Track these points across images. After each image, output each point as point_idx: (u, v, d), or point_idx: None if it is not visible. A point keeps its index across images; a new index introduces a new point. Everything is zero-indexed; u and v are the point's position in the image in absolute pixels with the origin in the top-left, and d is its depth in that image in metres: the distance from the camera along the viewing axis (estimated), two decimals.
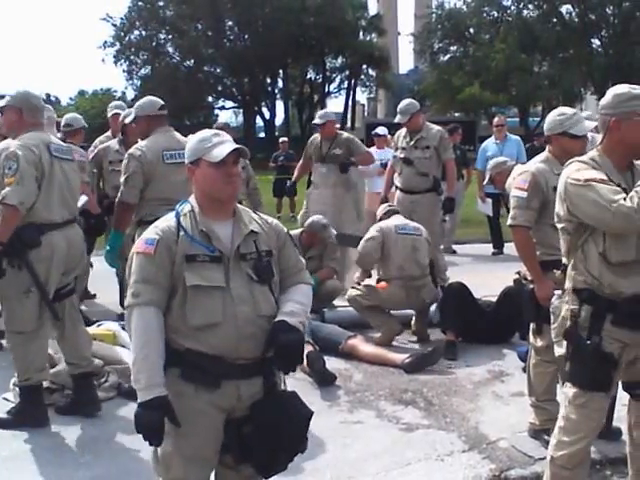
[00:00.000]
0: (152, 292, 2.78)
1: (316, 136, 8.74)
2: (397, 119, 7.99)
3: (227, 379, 2.82)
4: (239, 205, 3.02)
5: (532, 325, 4.54)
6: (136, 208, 5.44)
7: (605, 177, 3.22)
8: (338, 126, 9.14)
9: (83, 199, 6.25)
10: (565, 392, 3.45)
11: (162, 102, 5.65)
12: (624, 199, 3.08)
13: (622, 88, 3.34)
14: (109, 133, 8.01)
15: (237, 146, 2.90)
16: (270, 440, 2.80)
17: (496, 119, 11.89)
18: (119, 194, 5.51)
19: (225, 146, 2.88)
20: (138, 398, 2.73)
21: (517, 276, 4.78)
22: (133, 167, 5.33)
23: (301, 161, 9.09)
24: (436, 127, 8.14)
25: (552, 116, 4.50)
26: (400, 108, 7.96)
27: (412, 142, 7.92)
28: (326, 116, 8.67)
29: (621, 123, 3.27)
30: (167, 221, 2.91)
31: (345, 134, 8.86)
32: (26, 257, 4.62)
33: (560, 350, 3.43)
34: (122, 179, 5.46)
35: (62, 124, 7.25)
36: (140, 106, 5.62)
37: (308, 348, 5.74)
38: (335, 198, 8.38)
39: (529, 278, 4.51)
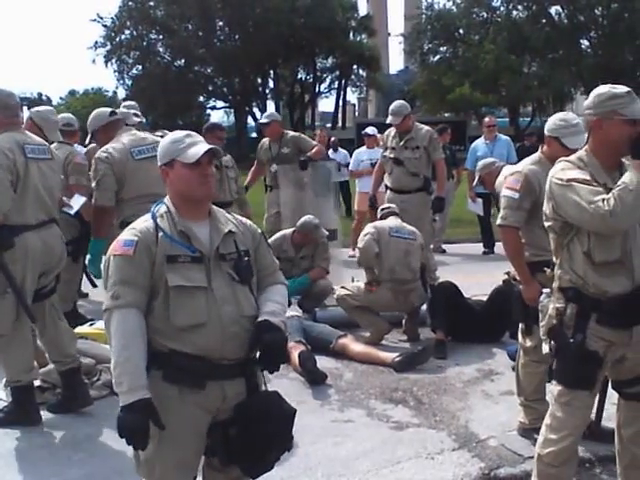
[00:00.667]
0: (132, 294, 2.75)
1: (265, 140, 8.86)
2: (389, 120, 8.02)
3: (212, 380, 2.82)
4: (213, 206, 3.01)
5: (521, 325, 4.57)
6: (114, 211, 5.40)
7: (589, 177, 3.25)
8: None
9: (81, 200, 6.22)
10: (551, 390, 3.49)
11: (110, 109, 5.75)
12: (603, 201, 3.11)
13: (603, 88, 3.37)
14: None
15: (211, 146, 2.91)
16: (256, 440, 2.80)
17: (487, 119, 11.91)
18: (93, 200, 5.48)
19: (199, 147, 2.89)
20: (120, 402, 2.68)
21: (506, 276, 4.81)
22: (102, 170, 5.30)
23: (254, 166, 9.16)
24: (425, 127, 8.18)
25: (554, 117, 4.53)
26: (392, 109, 7.98)
27: (402, 142, 7.95)
28: (272, 116, 8.85)
29: (602, 122, 3.30)
30: (144, 222, 2.89)
31: (291, 133, 8.95)
32: (0, 259, 4.58)
33: (547, 348, 3.47)
34: (93, 184, 5.43)
35: (60, 124, 7.10)
36: (92, 122, 5.64)
37: (300, 347, 5.79)
38: (292, 197, 8.46)
39: (518, 279, 4.54)
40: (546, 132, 4.50)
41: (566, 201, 3.26)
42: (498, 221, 4.54)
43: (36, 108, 6.10)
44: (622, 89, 3.33)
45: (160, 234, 2.83)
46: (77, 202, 6.16)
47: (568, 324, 3.34)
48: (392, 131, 8.13)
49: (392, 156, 8.03)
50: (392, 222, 6.91)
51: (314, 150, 8.48)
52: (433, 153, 7.98)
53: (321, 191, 8.79)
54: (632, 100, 3.30)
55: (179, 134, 2.98)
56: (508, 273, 4.77)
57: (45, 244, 4.77)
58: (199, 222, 2.91)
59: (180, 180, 2.89)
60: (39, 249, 4.72)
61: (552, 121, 4.49)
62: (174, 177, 2.90)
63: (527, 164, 4.54)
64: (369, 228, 6.84)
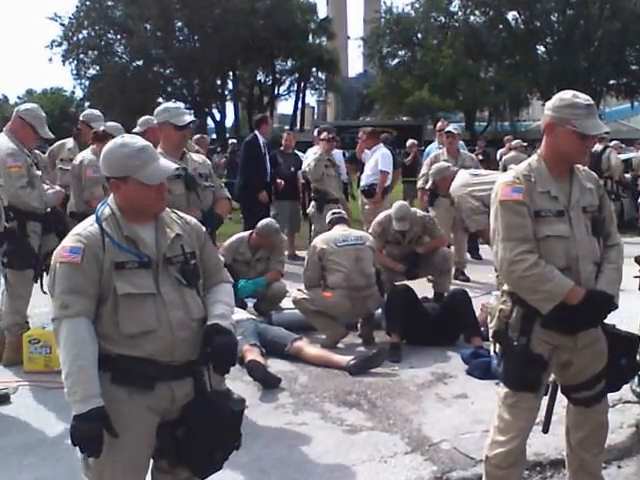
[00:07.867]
0: (81, 302, 2.71)
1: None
2: (397, 227, 7.47)
3: (161, 381, 2.80)
4: None
5: None
6: None
7: (521, 198, 3.28)
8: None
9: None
10: (498, 392, 3.51)
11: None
12: (528, 254, 3.22)
13: (567, 94, 3.33)
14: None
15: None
16: (204, 440, 2.81)
17: (438, 124, 11.82)
18: None
19: (157, 166, 2.86)
20: (74, 410, 2.64)
21: None
22: None
23: None
24: (418, 214, 7.80)
25: None
26: (398, 215, 7.46)
27: (406, 241, 7.62)
28: (147, 123, 7.34)
29: (554, 127, 3.32)
30: (89, 227, 2.83)
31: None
32: None
33: (493, 350, 3.50)
34: None
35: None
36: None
37: (254, 350, 5.77)
38: None
39: None
40: None
41: (492, 219, 3.38)
42: None
43: (23, 106, 6.14)
44: (583, 101, 3.28)
45: (107, 240, 2.78)
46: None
47: (514, 327, 3.36)
48: (391, 227, 7.56)
49: (397, 252, 7.66)
50: (338, 232, 6.92)
51: None
52: (432, 233, 7.72)
53: None
54: (589, 115, 3.26)
55: (132, 147, 2.87)
56: None
57: None
58: (145, 225, 2.88)
59: (136, 197, 2.83)
60: None
61: None
62: (128, 192, 2.84)
63: None
64: (311, 253, 6.87)
